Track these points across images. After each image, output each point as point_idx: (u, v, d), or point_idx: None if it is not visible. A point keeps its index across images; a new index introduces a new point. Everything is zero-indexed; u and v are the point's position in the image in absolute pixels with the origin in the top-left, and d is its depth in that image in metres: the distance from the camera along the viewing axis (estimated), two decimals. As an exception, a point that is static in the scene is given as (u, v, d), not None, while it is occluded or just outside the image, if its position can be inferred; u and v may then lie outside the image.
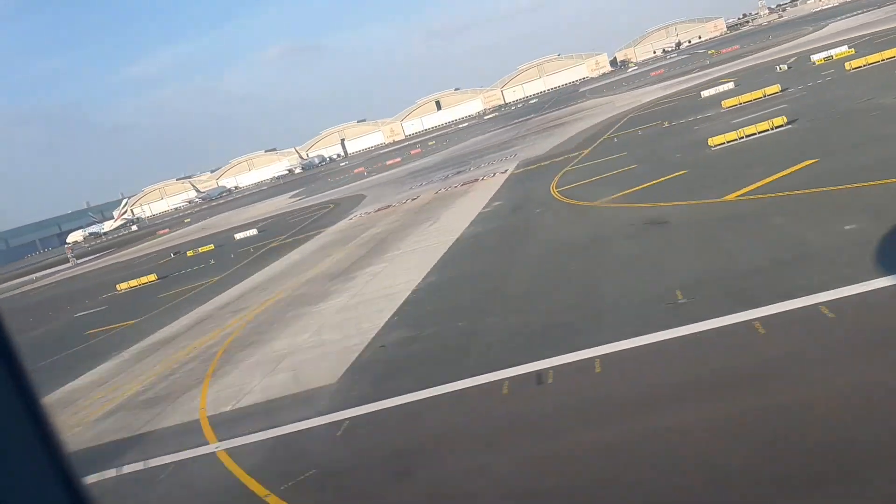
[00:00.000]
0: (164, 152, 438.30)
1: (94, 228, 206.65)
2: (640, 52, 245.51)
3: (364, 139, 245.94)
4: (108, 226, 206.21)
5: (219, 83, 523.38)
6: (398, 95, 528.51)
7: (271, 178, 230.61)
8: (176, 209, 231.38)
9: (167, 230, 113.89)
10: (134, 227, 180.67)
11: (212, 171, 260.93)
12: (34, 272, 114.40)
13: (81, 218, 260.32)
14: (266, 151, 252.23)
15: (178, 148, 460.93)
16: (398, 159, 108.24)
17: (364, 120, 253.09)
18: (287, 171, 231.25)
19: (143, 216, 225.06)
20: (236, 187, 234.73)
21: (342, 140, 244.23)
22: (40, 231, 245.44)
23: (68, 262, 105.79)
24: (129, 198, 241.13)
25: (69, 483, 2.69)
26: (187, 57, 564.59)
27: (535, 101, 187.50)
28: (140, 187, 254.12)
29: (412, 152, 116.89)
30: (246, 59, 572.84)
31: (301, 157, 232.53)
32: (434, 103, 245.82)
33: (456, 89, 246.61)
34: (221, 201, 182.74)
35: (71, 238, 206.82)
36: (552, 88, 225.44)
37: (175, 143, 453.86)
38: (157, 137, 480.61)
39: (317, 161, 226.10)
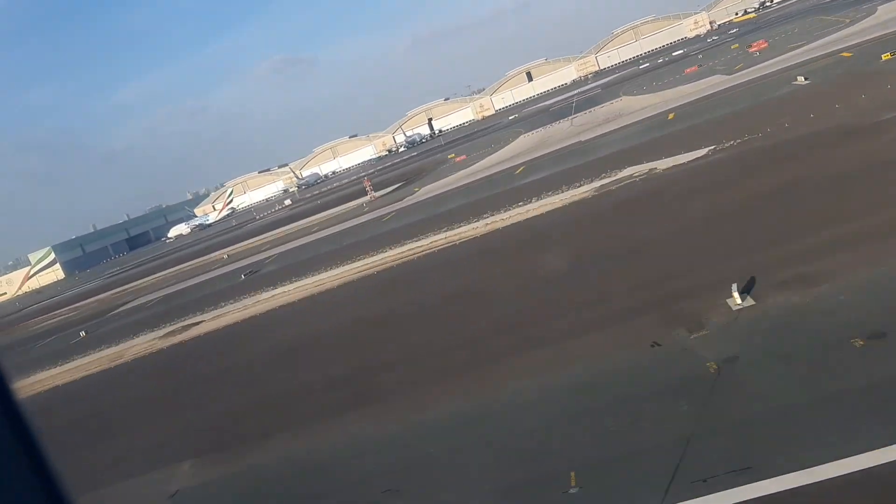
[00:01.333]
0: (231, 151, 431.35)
1: (198, 220, 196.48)
2: (717, 17, 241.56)
3: (452, 116, 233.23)
4: (213, 217, 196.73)
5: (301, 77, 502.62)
6: (483, 72, 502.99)
7: (363, 163, 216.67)
8: (266, 199, 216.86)
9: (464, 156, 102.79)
10: (288, 202, 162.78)
11: (279, 167, 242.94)
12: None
13: (145, 222, 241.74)
14: (350, 138, 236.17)
15: (244, 145, 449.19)
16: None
17: (449, 98, 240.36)
18: (387, 153, 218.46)
19: (237, 207, 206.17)
20: (333, 172, 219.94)
21: (429, 119, 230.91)
22: (108, 238, 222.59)
23: (366, 194, 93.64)
24: (227, 186, 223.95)
25: (53, 491, 2.75)
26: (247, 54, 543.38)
27: (715, 38, 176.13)
28: (221, 182, 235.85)
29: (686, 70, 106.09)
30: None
31: (405, 135, 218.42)
32: (525, 75, 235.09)
33: (546, 59, 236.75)
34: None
35: (173, 232, 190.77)
36: (653, 50, 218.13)
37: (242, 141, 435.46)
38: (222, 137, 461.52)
39: (418, 139, 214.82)
